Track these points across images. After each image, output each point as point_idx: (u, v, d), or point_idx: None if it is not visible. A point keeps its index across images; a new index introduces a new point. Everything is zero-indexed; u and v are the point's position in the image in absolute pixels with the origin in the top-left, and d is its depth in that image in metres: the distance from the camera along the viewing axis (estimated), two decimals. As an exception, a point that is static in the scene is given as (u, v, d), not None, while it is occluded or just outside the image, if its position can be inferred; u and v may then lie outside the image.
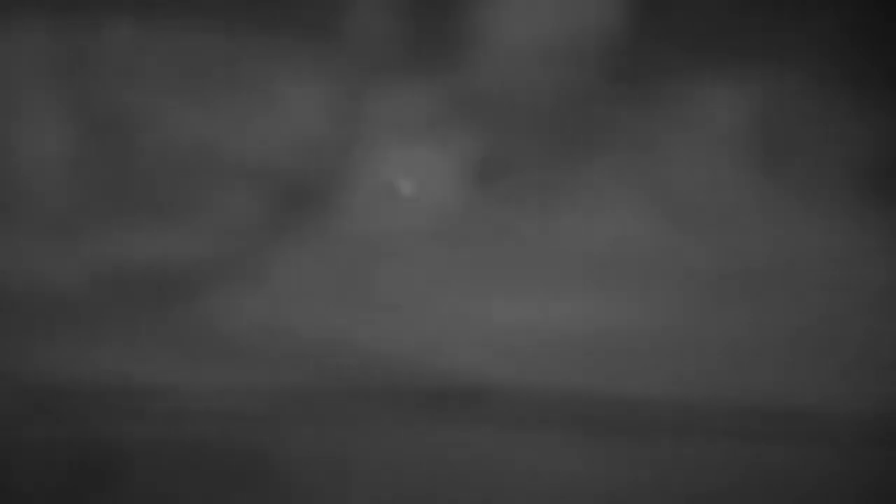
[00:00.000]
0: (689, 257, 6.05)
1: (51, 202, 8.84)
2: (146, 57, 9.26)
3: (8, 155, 8.88)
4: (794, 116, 6.84)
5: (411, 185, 7.22)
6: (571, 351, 5.75)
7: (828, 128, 6.80)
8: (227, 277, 8.03)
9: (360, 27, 8.73)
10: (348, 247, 8.38)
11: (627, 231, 6.20)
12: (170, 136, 9.16)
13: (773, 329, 6.28)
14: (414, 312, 7.76)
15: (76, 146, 8.74)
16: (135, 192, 8.82)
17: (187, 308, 8.04)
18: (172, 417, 7.18)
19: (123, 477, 6.44)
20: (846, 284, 6.51)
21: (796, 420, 5.90)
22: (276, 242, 8.17)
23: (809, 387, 6.08)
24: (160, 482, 6.25)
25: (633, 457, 5.77)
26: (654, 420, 5.91)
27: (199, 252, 8.48)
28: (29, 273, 8.61)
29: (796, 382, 6.08)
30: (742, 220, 6.87)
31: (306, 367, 7.31)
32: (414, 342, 7.92)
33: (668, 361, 5.71)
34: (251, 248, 8.21)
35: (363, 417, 6.99)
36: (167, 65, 9.27)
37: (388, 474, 5.14)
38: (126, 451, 6.51)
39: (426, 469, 5.10)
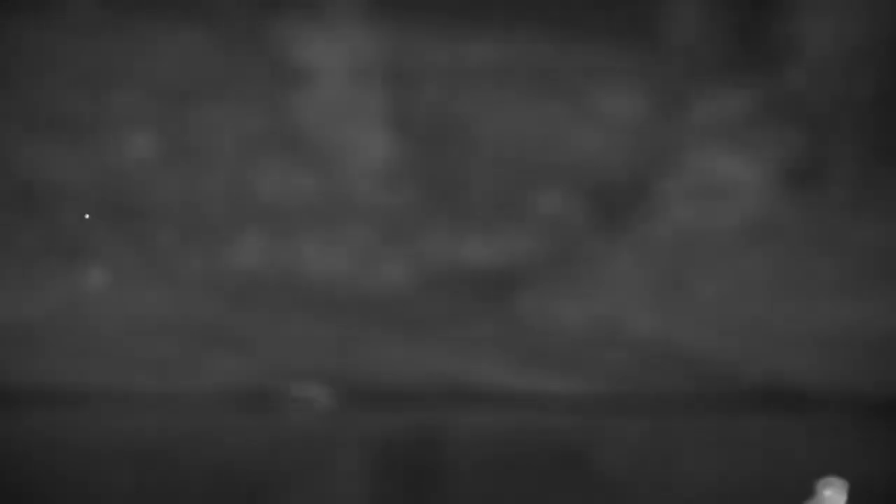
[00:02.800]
0: None
1: (382, 206, 8.69)
2: (469, 64, 9.02)
3: (341, 160, 8.81)
4: None
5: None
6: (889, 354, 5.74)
7: None
8: (551, 278, 7.86)
9: (679, 32, 8.40)
10: (668, 246, 8.07)
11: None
12: (494, 140, 8.92)
13: None
14: (731, 313, 7.51)
15: (406, 151, 8.63)
16: (462, 195, 8.65)
17: (512, 307, 7.83)
18: (498, 415, 7.02)
19: (450, 471, 6.19)
20: None
21: None
22: (598, 243, 7.90)
23: None
24: (485, 478, 6.05)
25: None
26: None
27: (524, 253, 8.30)
28: (363, 274, 8.51)
29: None
30: None
31: (630, 367, 7.10)
32: (732, 343, 7.59)
33: None
34: (575, 249, 8.01)
35: (680, 415, 6.84)
36: (490, 71, 9.05)
37: (706, 474, 5.01)
38: (454, 447, 6.31)
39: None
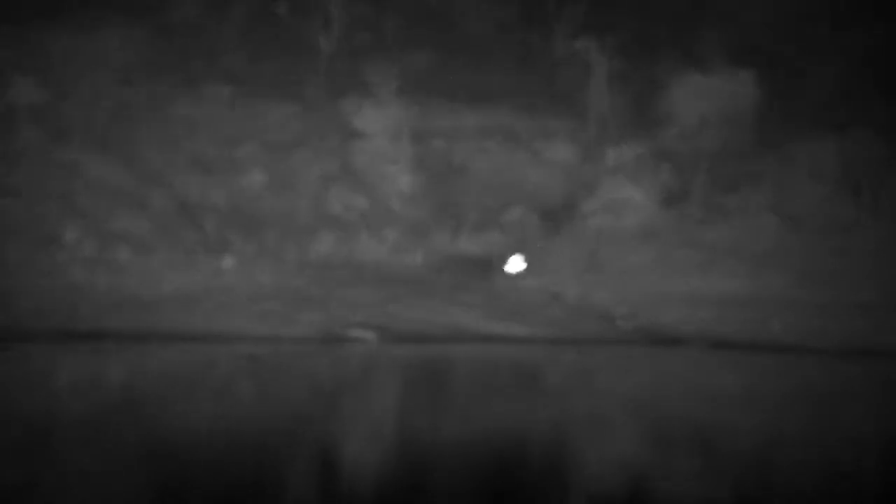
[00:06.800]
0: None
1: (407, 216, 9.67)
2: (464, 127, 10.41)
3: (382, 187, 9.84)
4: None
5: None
6: None
7: None
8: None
9: (596, 107, 9.78)
10: (588, 243, 9.24)
11: None
12: (479, 175, 10.07)
13: None
14: (628, 284, 8.54)
15: (423, 181, 9.80)
16: (459, 210, 9.73)
17: (491, 281, 8.95)
18: (481, 348, 7.96)
19: (451, 381, 7.19)
20: None
21: None
22: (545, 241, 9.12)
23: None
24: (473, 386, 6.86)
25: None
26: None
27: (498, 247, 9.43)
28: (396, 259, 9.44)
29: None
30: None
31: (565, 318, 8.16)
32: (628, 302, 8.66)
33: None
34: (530, 244, 9.16)
35: (596, 348, 7.86)
36: (477, 132, 10.28)
37: None
38: (453, 368, 7.36)
39: None
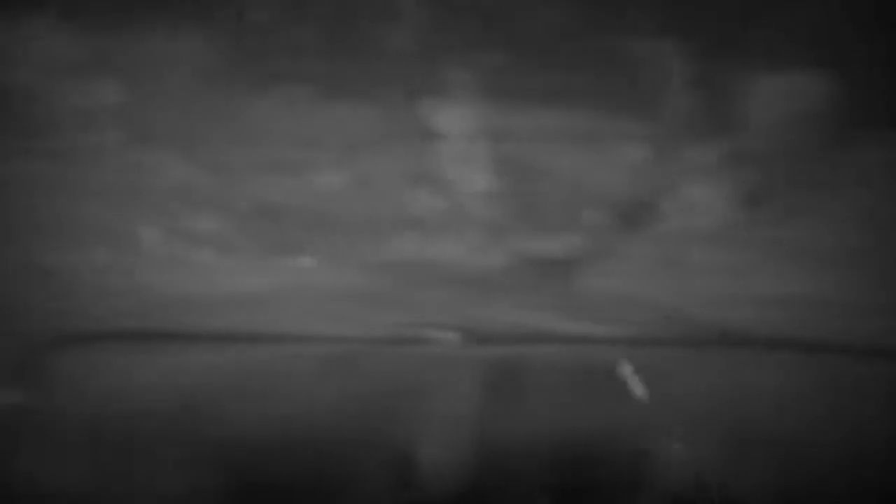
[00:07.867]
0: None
1: (485, 217, 9.67)
2: (541, 128, 10.27)
3: (459, 188, 9.86)
4: None
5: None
6: None
7: None
8: (591, 263, 8.90)
9: (672, 108, 9.61)
10: (664, 244, 9.18)
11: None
12: (556, 175, 10.00)
13: None
14: (705, 285, 8.42)
15: (500, 182, 9.72)
16: (536, 210, 9.68)
17: (568, 281, 8.89)
18: (559, 348, 7.95)
19: (529, 383, 7.18)
20: None
21: None
22: (620, 241, 9.06)
23: None
24: (551, 388, 6.85)
25: None
26: None
27: (575, 247, 9.38)
28: (473, 260, 9.47)
29: None
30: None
31: (640, 318, 8.13)
32: (705, 303, 8.59)
33: None
34: (606, 245, 9.07)
35: (670, 349, 7.73)
36: (555, 132, 10.17)
37: None
38: (532, 368, 7.32)
39: None
